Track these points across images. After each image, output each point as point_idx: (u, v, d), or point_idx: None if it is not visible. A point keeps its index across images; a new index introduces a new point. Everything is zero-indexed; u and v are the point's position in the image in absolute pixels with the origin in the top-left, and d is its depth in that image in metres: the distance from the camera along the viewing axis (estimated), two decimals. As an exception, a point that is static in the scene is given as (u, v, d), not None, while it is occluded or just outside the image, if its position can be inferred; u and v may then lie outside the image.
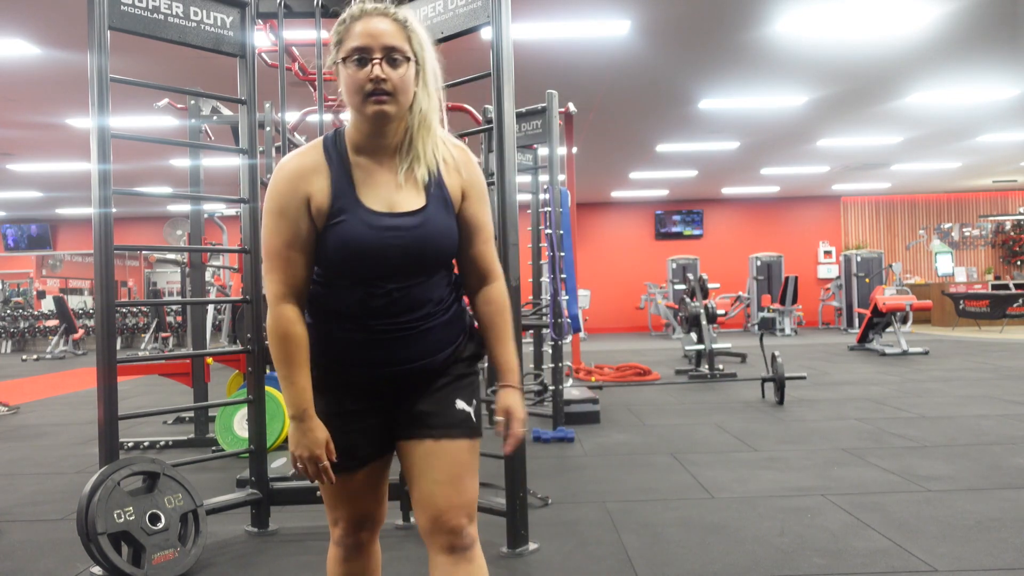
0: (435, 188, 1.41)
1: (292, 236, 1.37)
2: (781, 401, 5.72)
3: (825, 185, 15.08)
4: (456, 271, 1.53)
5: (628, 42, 6.54)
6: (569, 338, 6.04)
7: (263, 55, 4.62)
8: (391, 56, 1.34)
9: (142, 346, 13.03)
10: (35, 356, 12.66)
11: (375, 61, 1.32)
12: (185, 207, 10.83)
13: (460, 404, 1.45)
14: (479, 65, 2.79)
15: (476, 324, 1.55)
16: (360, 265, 1.36)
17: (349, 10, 1.39)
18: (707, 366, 7.27)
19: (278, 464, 3.56)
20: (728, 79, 7.74)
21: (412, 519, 3.07)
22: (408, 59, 1.35)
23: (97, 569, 2.58)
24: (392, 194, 1.39)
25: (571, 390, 5.63)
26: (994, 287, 14.24)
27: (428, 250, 1.39)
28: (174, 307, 13.55)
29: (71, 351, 12.98)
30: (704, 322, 7.65)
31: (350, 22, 1.37)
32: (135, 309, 14.34)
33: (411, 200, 1.39)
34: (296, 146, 5.25)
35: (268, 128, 3.71)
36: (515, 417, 1.47)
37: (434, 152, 1.42)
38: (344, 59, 1.35)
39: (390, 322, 1.39)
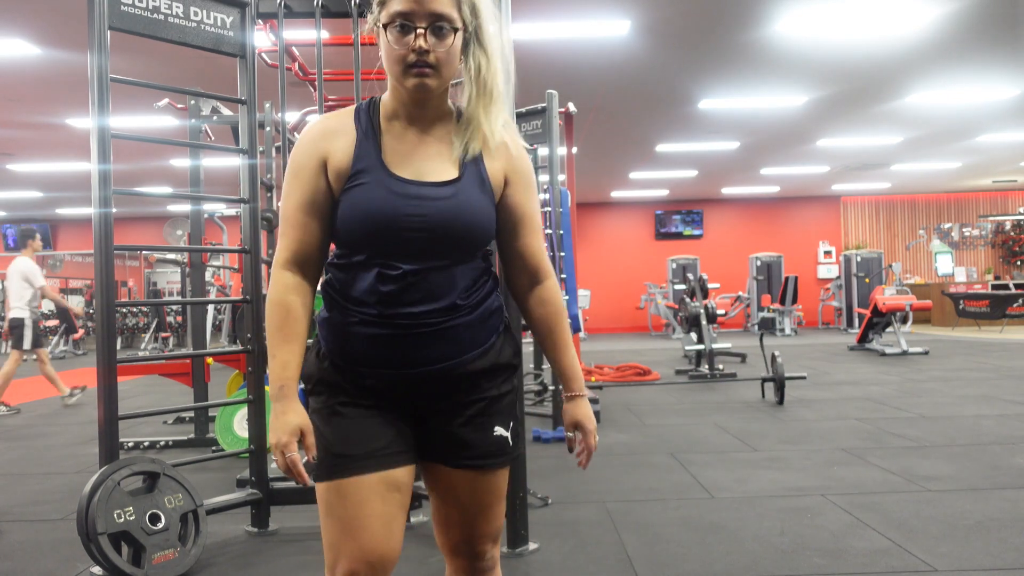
0: (472, 164, 1.27)
1: (305, 198, 1.26)
2: (781, 401, 5.72)
3: (825, 185, 15.08)
4: (497, 267, 1.39)
5: (628, 42, 6.54)
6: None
7: (263, 55, 4.62)
8: (437, 25, 1.20)
9: (142, 346, 13.03)
10: (35, 356, 12.63)
11: (419, 31, 1.19)
12: (185, 207, 10.85)
13: (499, 431, 1.31)
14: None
15: (528, 329, 1.43)
16: (374, 235, 1.22)
17: None
18: (707, 366, 7.27)
19: (278, 464, 3.56)
20: (728, 79, 7.74)
21: (413, 519, 3.07)
22: (456, 29, 1.21)
23: (97, 569, 2.58)
24: (422, 163, 1.26)
25: (571, 390, 5.62)
26: (994, 287, 14.24)
27: (454, 228, 1.23)
28: (174, 307, 13.55)
29: (71, 351, 12.98)
30: (704, 322, 7.65)
31: None
32: (135, 309, 14.34)
33: (443, 170, 1.26)
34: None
35: (268, 128, 3.72)
36: (587, 429, 1.36)
37: (498, 128, 1.28)
38: (385, 25, 1.21)
39: (406, 313, 1.23)
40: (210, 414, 4.90)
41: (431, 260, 1.23)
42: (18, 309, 6.76)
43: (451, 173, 1.25)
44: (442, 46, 1.20)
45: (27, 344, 6.75)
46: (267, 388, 4.08)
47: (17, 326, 6.73)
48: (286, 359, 1.24)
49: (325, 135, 1.27)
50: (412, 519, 3.07)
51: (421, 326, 1.24)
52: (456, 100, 1.31)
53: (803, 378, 6.15)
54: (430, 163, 1.26)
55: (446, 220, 1.22)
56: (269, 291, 1.28)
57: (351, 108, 1.32)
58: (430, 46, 1.19)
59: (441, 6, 1.20)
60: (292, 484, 3.15)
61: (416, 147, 1.27)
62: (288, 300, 1.26)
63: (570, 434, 1.37)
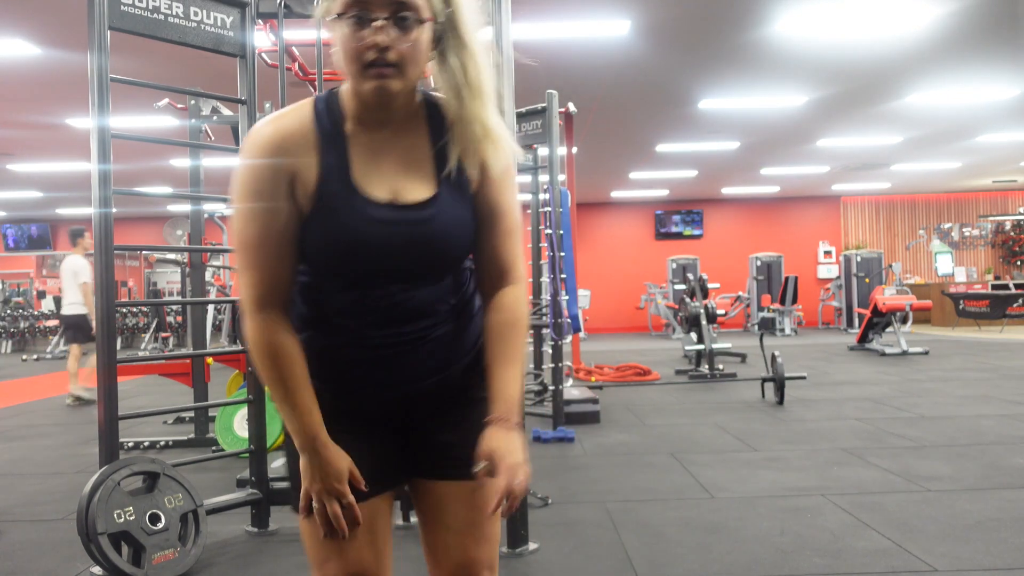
0: (455, 172, 1.13)
1: (272, 227, 1.07)
2: (781, 401, 5.72)
3: (825, 185, 15.08)
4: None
5: (628, 42, 6.54)
6: (569, 338, 6.04)
7: (263, 55, 4.62)
8: (400, 15, 1.03)
9: (142, 346, 13.03)
10: (35, 356, 12.66)
11: (378, 23, 1.02)
12: (185, 207, 10.84)
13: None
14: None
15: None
16: (353, 265, 1.10)
17: None
18: (707, 366, 7.27)
19: (278, 464, 3.56)
20: (728, 79, 7.74)
21: (413, 518, 3.07)
22: (423, 20, 1.05)
23: (97, 569, 2.58)
24: (396, 177, 1.11)
25: (571, 390, 5.63)
26: (994, 287, 14.24)
27: (438, 250, 1.12)
28: (174, 307, 13.54)
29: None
30: (704, 322, 7.65)
31: None
32: (135, 309, 14.34)
33: (420, 185, 1.11)
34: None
35: (268, 128, 3.71)
36: (502, 464, 1.08)
37: (495, 122, 1.12)
38: (340, 15, 1.03)
39: (392, 332, 1.13)
40: (210, 414, 4.90)
41: (417, 280, 1.13)
42: (74, 305, 6.98)
43: (429, 188, 1.11)
44: (406, 40, 1.03)
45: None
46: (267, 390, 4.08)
47: (73, 323, 7.01)
48: (307, 406, 1.10)
49: (285, 147, 1.07)
50: (413, 518, 3.07)
51: (406, 343, 1.14)
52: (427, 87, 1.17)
53: (803, 378, 6.15)
54: (405, 177, 1.11)
55: (428, 244, 1.11)
56: (254, 339, 1.10)
57: (307, 104, 1.13)
58: (391, 40, 1.02)
59: None
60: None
61: (387, 156, 1.12)
62: (278, 343, 1.10)
63: (482, 464, 1.10)
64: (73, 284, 6.91)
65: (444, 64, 1.11)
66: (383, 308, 1.12)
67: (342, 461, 1.12)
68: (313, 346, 1.14)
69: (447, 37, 1.10)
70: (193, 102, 4.83)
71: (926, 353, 9.24)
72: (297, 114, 1.11)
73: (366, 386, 1.16)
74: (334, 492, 1.11)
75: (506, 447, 1.10)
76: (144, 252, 16.03)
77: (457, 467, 1.17)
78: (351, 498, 1.12)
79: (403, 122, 1.13)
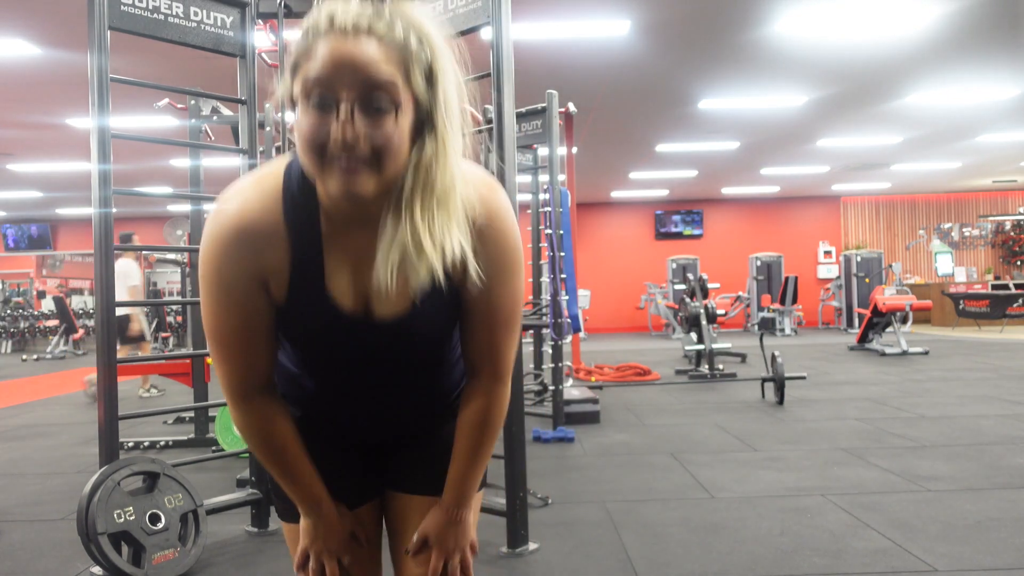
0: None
1: (246, 321, 0.97)
2: (781, 401, 5.72)
3: (825, 185, 15.08)
4: None
5: (628, 42, 6.54)
6: (569, 338, 6.04)
7: (263, 55, 4.62)
8: (370, 98, 0.84)
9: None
10: (35, 356, 12.66)
11: (343, 109, 0.84)
12: (185, 207, 10.84)
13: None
14: (479, 65, 2.79)
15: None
16: (328, 356, 1.03)
17: (316, 8, 0.88)
18: (707, 366, 7.27)
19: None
20: (728, 79, 7.74)
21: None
22: (398, 106, 0.85)
23: (97, 569, 2.58)
24: (370, 284, 0.96)
25: (571, 390, 5.63)
26: (994, 287, 14.24)
27: (413, 352, 1.04)
28: (174, 307, 13.54)
29: (71, 351, 12.98)
30: (704, 322, 7.65)
31: (312, 37, 0.86)
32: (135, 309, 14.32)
33: (397, 297, 0.96)
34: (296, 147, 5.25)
35: (268, 128, 3.72)
36: (438, 547, 1.10)
37: (453, 243, 0.90)
38: (305, 94, 0.86)
39: (372, 401, 1.09)
40: (210, 414, 4.90)
41: (392, 366, 1.06)
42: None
43: (406, 298, 0.97)
44: (379, 129, 0.84)
45: (147, 336, 7.19)
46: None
47: (122, 321, 7.11)
48: (308, 478, 1.07)
49: (254, 245, 0.93)
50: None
51: (391, 398, 1.09)
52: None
53: (803, 378, 6.15)
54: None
55: (402, 348, 1.03)
56: (243, 427, 1.04)
57: (275, 184, 0.95)
58: (358, 131, 0.84)
59: (378, 71, 0.83)
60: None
61: (364, 261, 0.95)
62: (268, 430, 1.04)
63: (409, 547, 1.10)
64: (122, 286, 7.00)
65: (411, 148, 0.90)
66: (364, 383, 1.07)
67: (345, 523, 1.11)
68: (286, 372, 1.09)
69: (426, 124, 0.90)
70: (193, 102, 4.83)
71: (926, 353, 9.24)
72: (265, 202, 0.94)
73: (344, 431, 1.14)
74: (335, 552, 1.10)
75: (441, 534, 1.10)
76: (144, 252, 16.04)
77: (417, 484, 1.15)
78: (351, 556, 1.11)
79: (381, 214, 0.94)
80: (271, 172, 0.97)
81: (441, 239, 0.89)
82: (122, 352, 7.07)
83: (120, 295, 6.96)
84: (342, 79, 0.83)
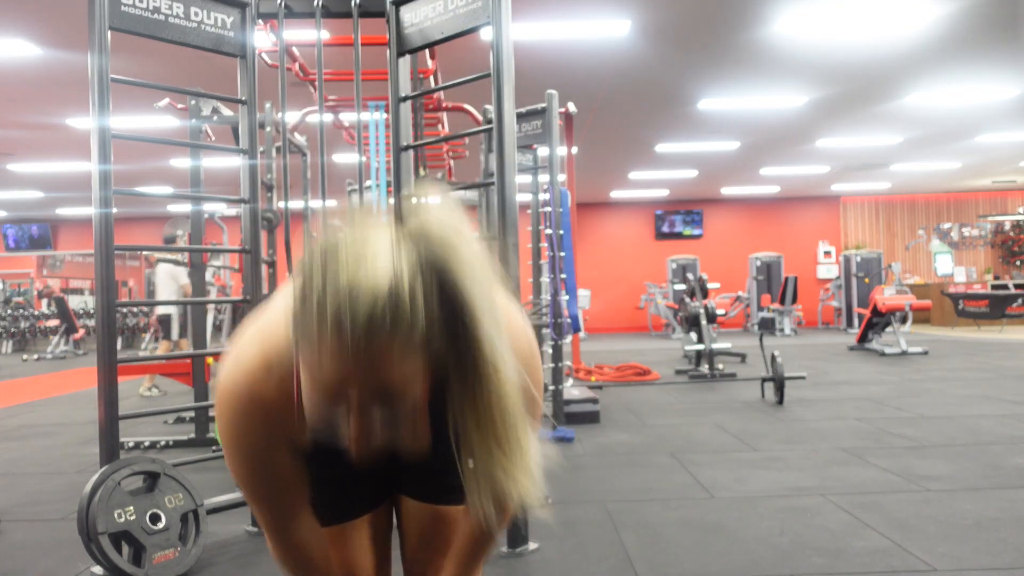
0: None
1: (276, 476, 1.00)
2: (781, 401, 5.72)
3: (825, 185, 15.09)
4: None
5: (628, 42, 6.55)
6: (569, 338, 6.04)
7: (263, 55, 4.62)
8: (384, 397, 0.75)
9: (142, 346, 13.03)
10: (35, 356, 12.66)
11: (356, 409, 0.76)
12: (185, 207, 10.84)
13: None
14: (479, 65, 2.79)
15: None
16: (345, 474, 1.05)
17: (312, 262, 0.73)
18: (707, 366, 7.28)
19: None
20: (728, 79, 7.74)
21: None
22: (415, 400, 0.78)
23: (98, 569, 2.58)
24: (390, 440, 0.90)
25: (571, 390, 5.63)
26: (993, 287, 14.25)
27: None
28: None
29: (71, 351, 12.98)
30: (704, 322, 7.66)
31: (317, 315, 0.71)
32: (135, 309, 14.34)
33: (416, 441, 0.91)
34: (296, 147, 5.26)
35: (268, 128, 3.72)
36: None
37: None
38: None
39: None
40: (210, 414, 4.90)
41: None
42: (166, 305, 7.18)
43: (425, 438, 0.92)
44: (395, 425, 0.79)
45: (175, 335, 7.22)
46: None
47: (165, 320, 7.24)
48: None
49: (266, 419, 0.92)
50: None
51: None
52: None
53: (803, 378, 6.15)
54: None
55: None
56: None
57: (285, 363, 0.89)
58: (378, 434, 0.79)
59: (391, 372, 0.73)
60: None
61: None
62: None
63: None
64: (168, 286, 7.16)
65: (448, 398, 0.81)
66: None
67: None
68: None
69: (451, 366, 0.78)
70: (193, 102, 4.83)
71: (926, 353, 9.24)
72: (271, 369, 0.89)
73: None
74: None
75: None
76: (144, 252, 16.03)
77: (428, 493, 1.15)
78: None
79: None
80: (273, 331, 0.91)
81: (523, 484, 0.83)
82: (162, 349, 7.29)
83: (165, 294, 7.13)
84: (347, 385, 0.75)
